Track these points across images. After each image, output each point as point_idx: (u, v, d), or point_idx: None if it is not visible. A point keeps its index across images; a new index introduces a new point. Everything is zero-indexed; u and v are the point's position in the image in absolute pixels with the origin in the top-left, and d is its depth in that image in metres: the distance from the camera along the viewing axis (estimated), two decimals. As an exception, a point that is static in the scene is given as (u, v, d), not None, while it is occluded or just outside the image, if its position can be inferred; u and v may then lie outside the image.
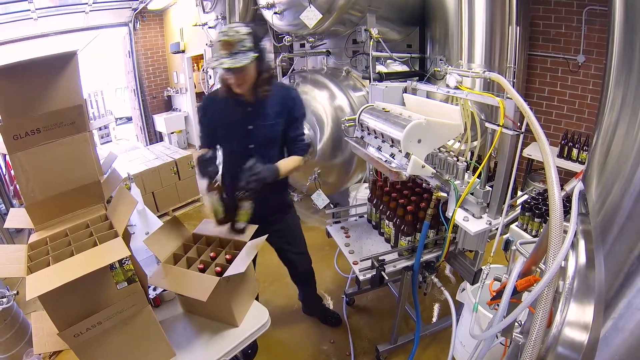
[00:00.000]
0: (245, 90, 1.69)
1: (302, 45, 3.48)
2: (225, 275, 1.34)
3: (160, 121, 6.87)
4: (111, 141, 8.14)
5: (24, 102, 1.40)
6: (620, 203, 0.67)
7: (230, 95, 1.74)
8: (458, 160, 1.68)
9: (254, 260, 2.17)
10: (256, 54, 1.57)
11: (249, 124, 1.79)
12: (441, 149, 1.80)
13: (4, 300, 1.74)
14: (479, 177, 1.63)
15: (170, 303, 1.64)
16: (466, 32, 2.45)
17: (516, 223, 1.96)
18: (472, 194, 1.67)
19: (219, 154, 1.89)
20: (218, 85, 1.84)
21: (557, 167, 0.92)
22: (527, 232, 1.90)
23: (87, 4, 5.25)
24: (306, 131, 1.92)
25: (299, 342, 2.48)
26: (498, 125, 1.53)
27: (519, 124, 1.50)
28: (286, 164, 1.81)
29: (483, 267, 1.57)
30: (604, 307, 0.60)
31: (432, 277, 1.97)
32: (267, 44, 4.15)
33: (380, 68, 2.58)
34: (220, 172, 1.76)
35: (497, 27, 2.44)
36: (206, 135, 1.93)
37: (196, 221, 2.26)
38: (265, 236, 1.57)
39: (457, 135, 1.65)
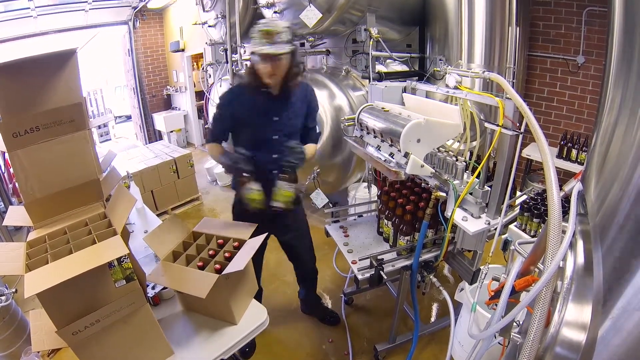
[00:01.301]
0: (275, 81, 1.76)
1: (302, 45, 3.48)
2: (224, 272, 1.34)
3: (160, 120, 6.86)
4: (110, 139, 8.12)
5: (23, 100, 1.40)
6: (618, 203, 0.67)
7: (257, 87, 1.80)
8: (457, 160, 1.68)
9: (259, 259, 2.19)
10: (293, 47, 1.71)
11: (275, 115, 1.86)
12: (440, 148, 1.80)
13: (3, 298, 1.74)
14: (477, 177, 1.63)
15: (169, 301, 1.64)
16: (466, 32, 2.46)
17: (515, 223, 1.97)
18: (471, 193, 1.67)
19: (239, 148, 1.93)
20: (225, 82, 1.89)
21: (556, 167, 0.92)
22: (525, 232, 1.91)
23: (86, 2, 5.24)
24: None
25: (297, 341, 2.48)
26: (497, 125, 1.53)
27: (518, 124, 1.50)
28: (309, 149, 1.95)
29: (481, 267, 1.57)
30: (602, 307, 0.61)
31: (431, 277, 1.98)
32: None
33: (379, 68, 2.59)
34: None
35: (497, 28, 2.44)
36: (223, 128, 1.95)
37: (195, 219, 2.26)
38: (265, 235, 1.57)
39: (456, 135, 1.66)
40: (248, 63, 1.91)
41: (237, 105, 1.87)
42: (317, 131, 2.08)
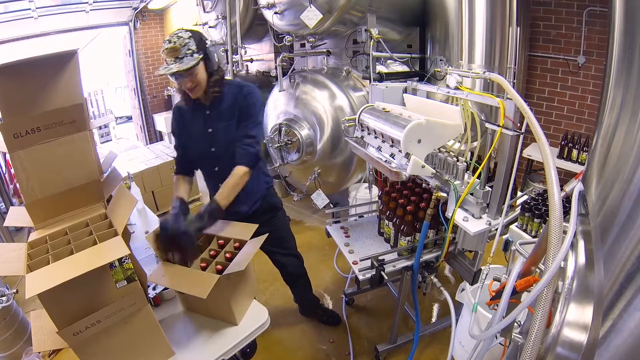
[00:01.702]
0: (199, 94, 1.72)
1: (303, 45, 3.49)
2: (225, 272, 1.34)
3: (160, 120, 6.86)
4: (111, 140, 8.13)
5: (24, 100, 1.40)
6: (620, 204, 0.67)
7: (189, 103, 1.79)
8: (458, 160, 1.68)
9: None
10: (201, 55, 1.60)
11: (208, 127, 1.82)
12: (441, 149, 1.80)
13: (4, 298, 1.74)
14: (478, 177, 1.63)
15: (169, 302, 1.64)
16: (466, 32, 2.46)
17: (516, 223, 1.97)
18: (471, 194, 1.67)
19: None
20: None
21: (557, 167, 0.92)
22: (526, 233, 1.90)
23: (87, 3, 5.24)
24: (258, 136, 1.81)
25: (298, 341, 2.48)
26: (498, 125, 1.53)
27: (519, 125, 1.50)
28: (225, 191, 1.66)
29: (482, 268, 1.57)
30: (604, 307, 0.60)
31: (432, 277, 1.98)
32: (268, 44, 4.16)
33: (380, 68, 2.58)
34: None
35: (498, 28, 2.44)
36: (181, 156, 1.95)
37: (196, 220, 2.27)
38: (266, 235, 1.57)
39: (457, 135, 1.65)
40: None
41: (179, 124, 1.88)
42: (252, 149, 1.75)
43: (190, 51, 1.57)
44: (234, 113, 1.78)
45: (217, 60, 1.72)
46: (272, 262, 2.26)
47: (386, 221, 2.06)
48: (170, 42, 1.56)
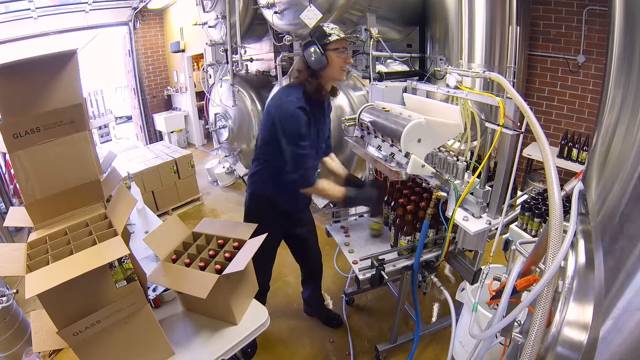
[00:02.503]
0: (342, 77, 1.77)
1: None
2: (224, 272, 1.34)
3: (160, 120, 6.87)
4: (111, 140, 8.13)
5: (24, 100, 1.40)
6: (620, 203, 0.67)
7: (321, 93, 1.76)
8: (458, 159, 1.68)
9: (271, 258, 2.20)
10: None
11: (321, 124, 1.87)
12: (441, 148, 1.80)
13: (4, 299, 1.74)
14: (478, 176, 1.63)
15: (169, 303, 1.64)
16: (466, 31, 2.46)
17: (516, 223, 1.96)
18: (471, 193, 1.67)
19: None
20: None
21: (557, 167, 0.92)
22: (526, 232, 1.90)
23: (87, 3, 5.24)
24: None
25: (299, 341, 2.48)
26: (498, 125, 1.53)
27: (519, 124, 1.50)
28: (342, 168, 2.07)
29: (482, 267, 1.57)
30: (604, 306, 0.60)
31: (432, 277, 1.98)
32: (268, 43, 4.15)
33: (380, 67, 2.59)
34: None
35: (497, 27, 2.44)
36: (311, 164, 1.84)
37: (196, 220, 2.26)
38: (264, 235, 1.57)
39: (457, 135, 1.65)
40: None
41: (312, 121, 1.74)
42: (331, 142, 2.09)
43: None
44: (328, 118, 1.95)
45: None
46: (298, 252, 2.35)
47: (385, 206, 2.14)
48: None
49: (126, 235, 1.52)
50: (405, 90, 2.12)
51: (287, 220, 2.01)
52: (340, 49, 1.66)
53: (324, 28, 1.66)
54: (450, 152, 1.76)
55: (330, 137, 2.04)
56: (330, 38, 1.63)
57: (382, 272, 1.74)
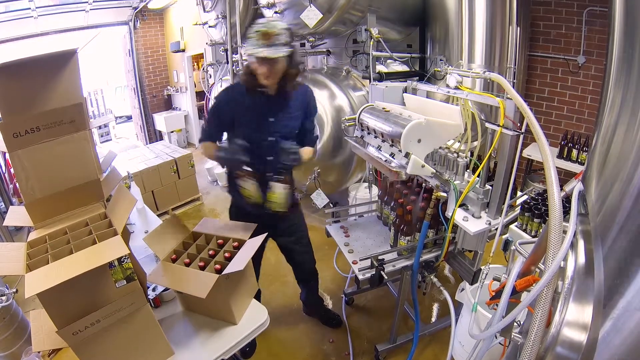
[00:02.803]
0: (271, 82, 1.74)
1: (303, 45, 3.49)
2: (224, 272, 1.34)
3: (160, 120, 6.87)
4: (111, 140, 8.13)
5: (24, 100, 1.40)
6: (619, 203, 0.67)
7: (253, 87, 1.78)
8: (458, 155, 1.68)
9: (258, 260, 2.18)
10: (291, 50, 1.67)
11: (270, 116, 1.84)
12: (442, 146, 1.80)
13: (3, 298, 1.74)
14: (478, 176, 1.63)
15: (169, 303, 1.64)
16: (466, 32, 2.46)
17: (515, 223, 1.96)
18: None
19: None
20: (226, 82, 1.88)
21: (556, 167, 0.92)
22: (526, 233, 1.90)
23: (87, 2, 5.24)
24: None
25: (298, 341, 2.48)
26: (498, 125, 1.53)
27: (519, 125, 1.50)
28: (305, 152, 1.92)
29: (482, 267, 1.57)
30: (603, 307, 0.60)
31: (432, 277, 1.98)
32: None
33: (380, 68, 2.59)
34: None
35: (498, 28, 2.44)
36: (216, 128, 1.93)
37: (196, 220, 2.26)
38: (264, 235, 1.57)
39: (457, 135, 1.65)
40: (245, 61, 1.85)
41: (233, 105, 1.85)
42: (315, 134, 2.05)
43: (281, 42, 1.61)
44: (301, 108, 1.91)
45: (298, 59, 1.79)
46: (288, 259, 2.30)
47: (385, 206, 2.12)
48: (265, 26, 1.60)
49: (126, 235, 1.52)
50: (405, 90, 2.12)
51: (261, 226, 1.78)
52: (252, 56, 1.65)
53: (251, 33, 1.63)
54: (451, 149, 1.76)
55: (303, 131, 1.96)
56: (245, 45, 1.65)
57: (382, 272, 1.74)
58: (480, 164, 1.65)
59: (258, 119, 1.83)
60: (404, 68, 2.80)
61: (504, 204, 1.59)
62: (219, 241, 1.61)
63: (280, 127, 1.85)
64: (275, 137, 1.84)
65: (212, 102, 1.96)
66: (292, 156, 1.79)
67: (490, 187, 1.66)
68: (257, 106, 1.81)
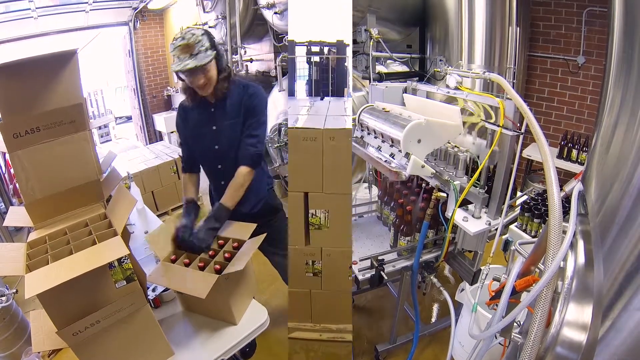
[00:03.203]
0: (208, 91, 1.71)
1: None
2: (224, 272, 1.34)
3: (160, 120, 6.86)
4: (111, 140, 8.11)
5: (24, 100, 1.40)
6: (619, 203, 0.67)
7: (195, 101, 1.78)
8: (459, 150, 1.68)
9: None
10: (215, 52, 1.61)
11: (212, 125, 1.81)
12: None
13: (3, 298, 1.74)
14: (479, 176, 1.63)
15: (169, 304, 1.64)
16: (466, 32, 2.46)
17: (515, 223, 1.96)
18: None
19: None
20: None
21: (556, 167, 0.92)
22: (526, 233, 1.90)
23: (87, 3, 5.24)
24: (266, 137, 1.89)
25: (298, 341, 2.47)
26: (498, 125, 1.53)
27: (518, 125, 1.50)
28: (231, 192, 1.72)
29: (482, 268, 1.57)
30: (603, 307, 0.60)
31: (432, 277, 1.97)
32: (268, 44, 4.15)
33: (380, 68, 2.58)
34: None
35: (497, 28, 2.44)
36: (186, 155, 1.96)
37: (195, 220, 2.27)
38: (264, 235, 1.57)
39: (456, 136, 1.66)
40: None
41: (184, 122, 1.88)
42: (256, 149, 1.77)
43: (204, 48, 1.57)
44: (239, 112, 1.78)
45: (225, 58, 1.75)
46: (271, 263, 2.24)
47: (385, 206, 2.12)
48: (183, 38, 1.55)
49: (126, 236, 1.52)
50: (405, 90, 2.12)
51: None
52: (182, 73, 1.61)
53: (173, 50, 1.57)
54: (452, 144, 1.76)
55: (240, 140, 1.79)
56: (172, 65, 1.61)
57: (382, 273, 1.74)
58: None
59: (202, 130, 1.83)
60: (404, 68, 2.80)
61: (503, 204, 1.59)
62: (219, 241, 1.61)
63: (223, 134, 1.81)
64: (219, 145, 1.82)
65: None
66: (206, 237, 1.58)
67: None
68: (202, 117, 1.82)
